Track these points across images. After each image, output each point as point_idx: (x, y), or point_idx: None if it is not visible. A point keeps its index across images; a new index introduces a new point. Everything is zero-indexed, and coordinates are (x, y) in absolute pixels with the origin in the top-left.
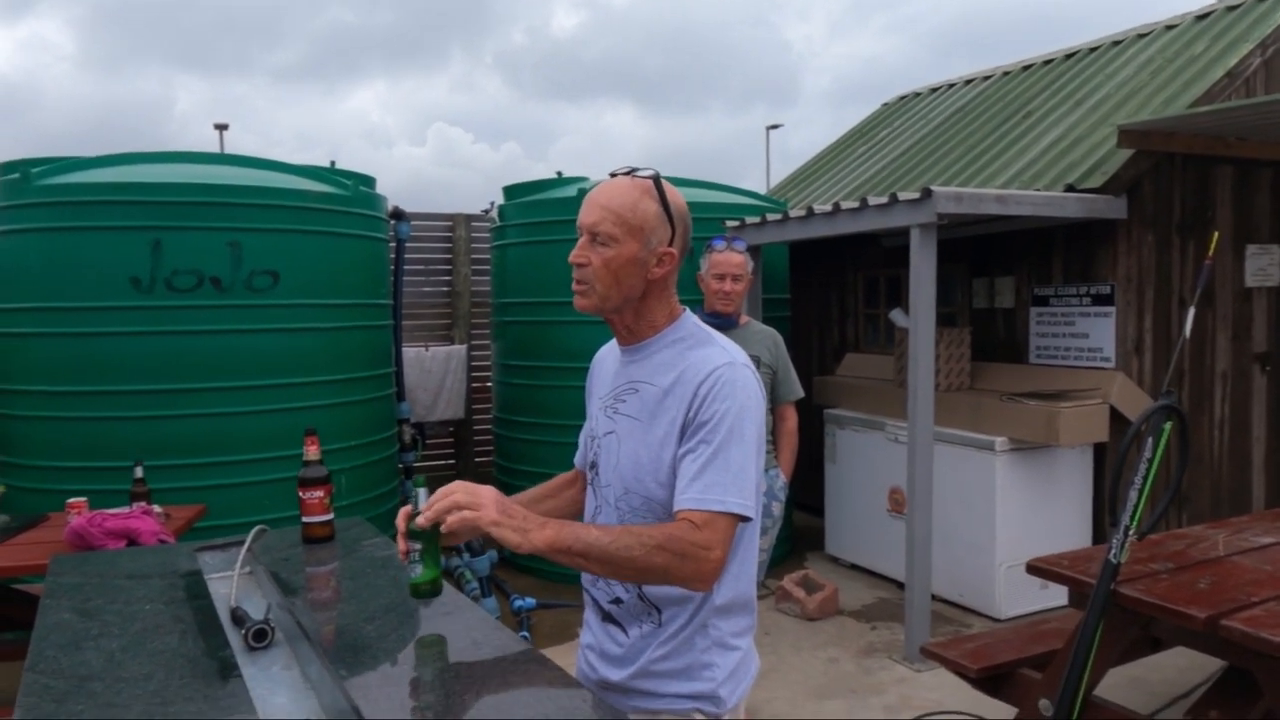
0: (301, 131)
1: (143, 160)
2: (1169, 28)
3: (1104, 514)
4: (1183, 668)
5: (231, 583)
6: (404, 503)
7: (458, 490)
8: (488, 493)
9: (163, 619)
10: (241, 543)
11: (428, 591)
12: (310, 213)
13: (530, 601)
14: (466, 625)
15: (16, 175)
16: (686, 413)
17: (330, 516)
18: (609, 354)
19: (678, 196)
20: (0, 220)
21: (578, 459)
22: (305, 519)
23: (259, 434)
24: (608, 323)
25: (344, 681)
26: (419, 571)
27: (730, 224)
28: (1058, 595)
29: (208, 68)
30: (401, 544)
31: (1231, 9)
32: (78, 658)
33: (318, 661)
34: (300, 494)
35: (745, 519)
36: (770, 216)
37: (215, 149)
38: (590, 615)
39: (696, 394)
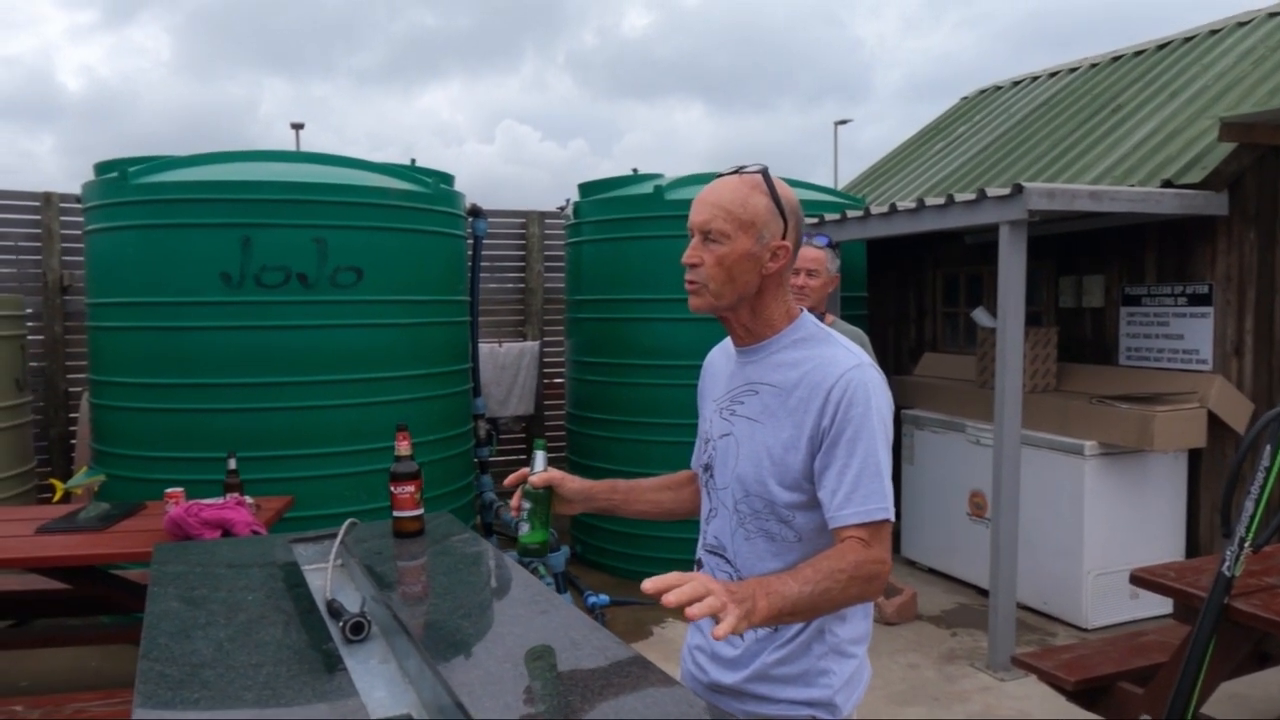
0: (374, 130)
1: (233, 159)
2: (1271, 15)
3: (1198, 524)
4: None
5: (326, 575)
6: (479, 494)
7: (715, 591)
8: (718, 586)
9: (265, 609)
10: (334, 535)
11: (535, 551)
12: (392, 210)
13: (604, 598)
14: (564, 624)
15: (115, 174)
16: (819, 419)
17: (420, 511)
18: (721, 355)
19: (787, 190)
20: (99, 218)
21: (693, 460)
22: (396, 513)
23: (344, 427)
24: (723, 322)
25: (444, 678)
26: (526, 530)
27: (809, 220)
28: (1147, 606)
29: (293, 70)
30: (515, 500)
31: None
32: (188, 646)
33: (417, 656)
34: (391, 489)
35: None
36: (851, 213)
37: (291, 148)
38: (707, 621)
39: (829, 399)
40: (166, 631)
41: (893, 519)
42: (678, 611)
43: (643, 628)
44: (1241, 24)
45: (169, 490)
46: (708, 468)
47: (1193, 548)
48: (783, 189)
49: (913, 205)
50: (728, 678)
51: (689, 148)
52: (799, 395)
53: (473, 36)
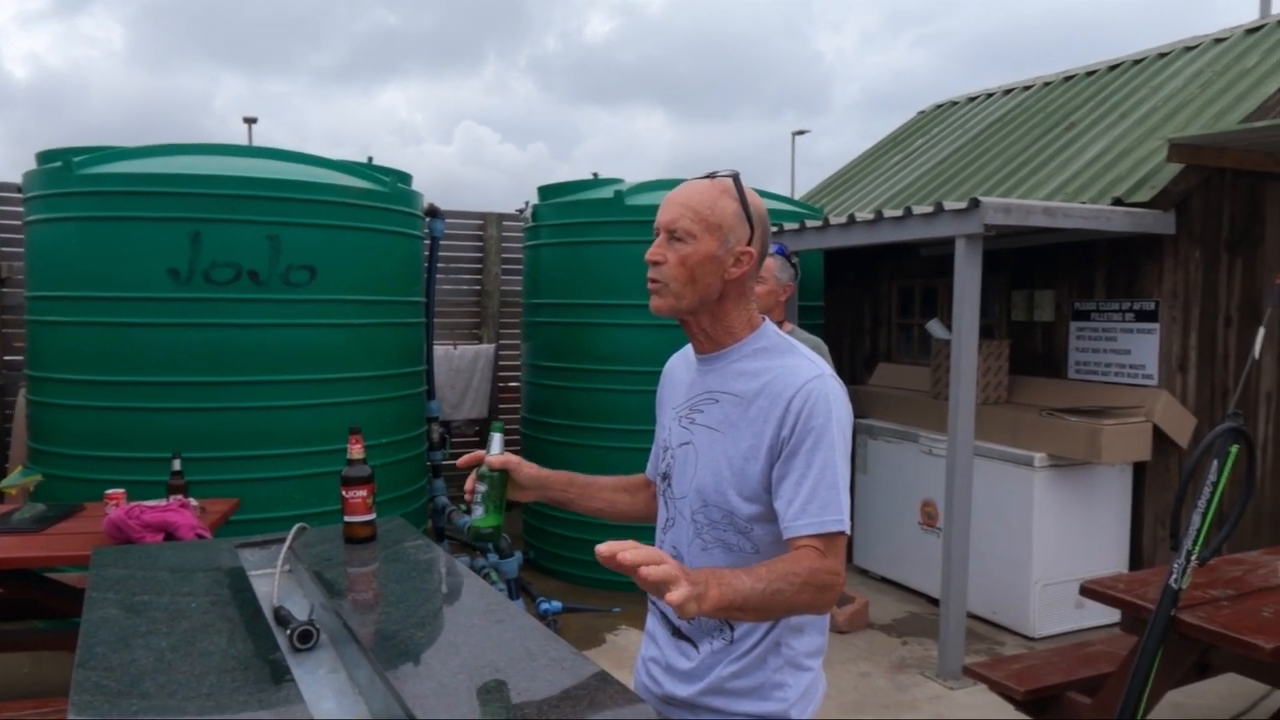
0: (331, 127)
1: (183, 152)
2: (1218, 41)
3: (1141, 535)
4: (1223, 694)
5: (274, 581)
6: (432, 498)
7: (669, 566)
8: (678, 567)
9: (209, 617)
10: (282, 540)
11: (488, 535)
12: (349, 208)
13: (557, 605)
14: (520, 634)
15: (58, 164)
16: (779, 428)
17: (373, 516)
18: (681, 362)
19: (756, 198)
20: (42, 208)
21: (649, 468)
22: (347, 518)
23: (294, 429)
24: (684, 328)
25: (396, 689)
26: (479, 513)
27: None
28: (1093, 616)
29: (251, 66)
30: (470, 482)
31: None
32: (128, 655)
33: (368, 666)
34: (343, 493)
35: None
36: (809, 223)
37: (243, 143)
38: (657, 628)
39: (790, 409)
40: (105, 639)
41: (848, 532)
42: (633, 620)
43: (595, 635)
44: (1189, 48)
45: (109, 491)
46: (665, 477)
47: (1136, 559)
48: (752, 197)
49: (871, 217)
50: (682, 690)
51: (650, 154)
52: (759, 405)
53: (435, 37)
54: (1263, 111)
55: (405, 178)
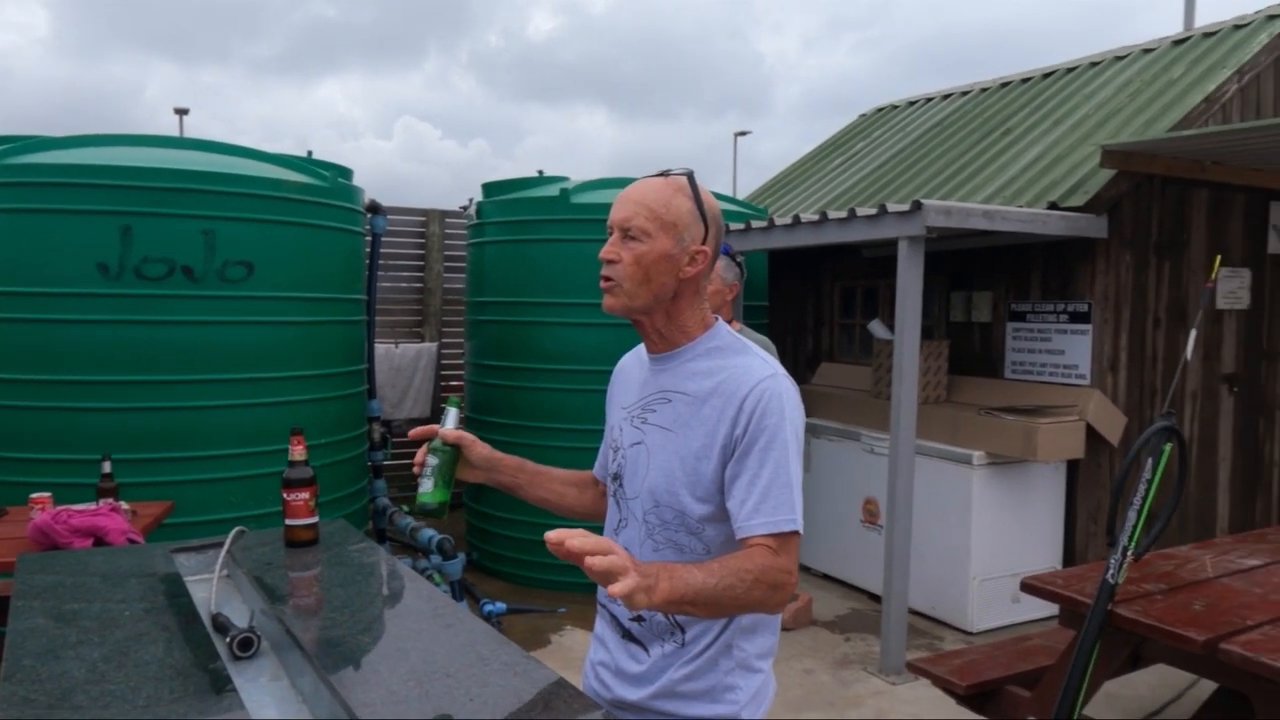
0: (267, 120)
1: (113, 142)
2: (1146, 51)
3: (1075, 530)
4: (1153, 685)
5: (211, 587)
6: (372, 499)
7: (617, 556)
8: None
9: (144, 626)
10: (220, 544)
11: (434, 511)
12: (287, 203)
13: (501, 606)
14: (470, 638)
15: None
16: (733, 428)
17: (315, 520)
18: (634, 361)
19: (711, 197)
20: None
21: (597, 467)
22: (289, 521)
23: (230, 429)
24: (637, 327)
25: (342, 697)
26: (428, 488)
27: None
28: (1028, 610)
29: (184, 56)
30: (420, 455)
31: (1209, 35)
32: (58, 667)
33: (312, 674)
34: (284, 495)
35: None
36: (755, 223)
37: (175, 135)
38: (606, 632)
39: (743, 408)
40: (32, 651)
41: (801, 531)
42: (578, 620)
43: (541, 636)
44: (1119, 58)
45: (34, 495)
46: (616, 477)
47: (1069, 554)
48: (706, 195)
49: (815, 218)
50: (632, 694)
51: (593, 153)
52: (713, 404)
53: (375, 31)
54: (1189, 120)
55: (346, 172)
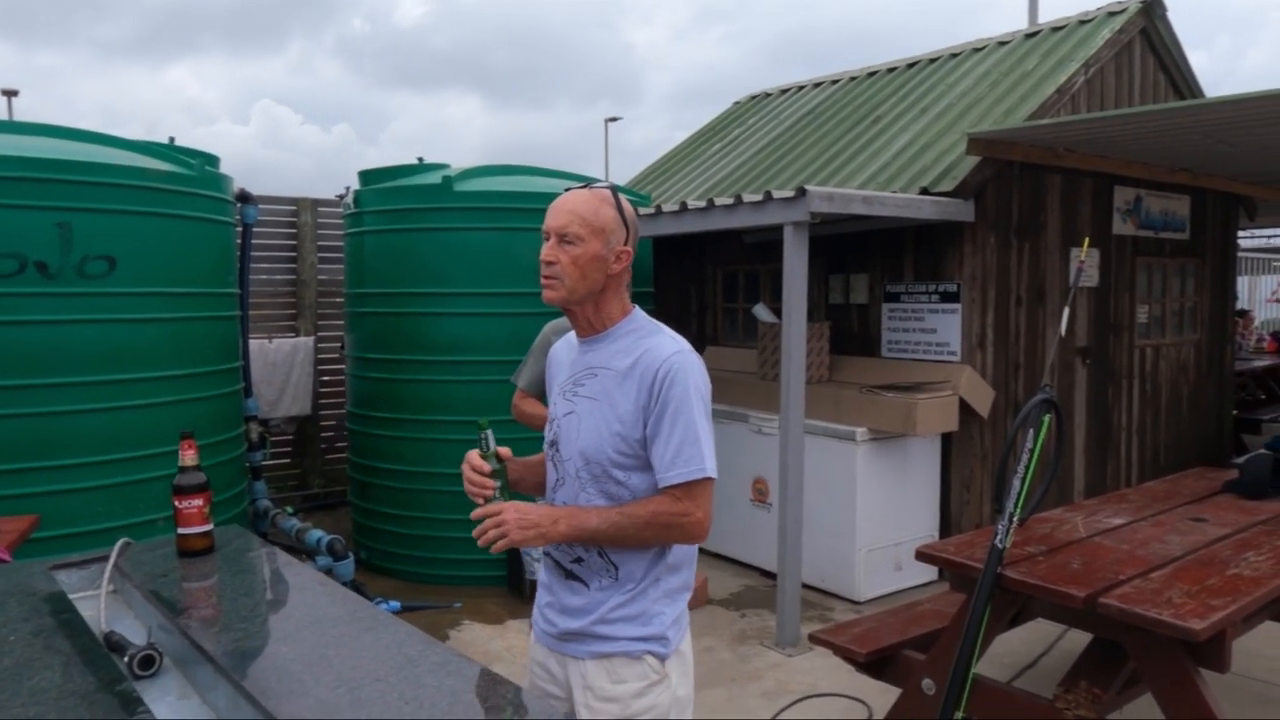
0: (110, 103)
1: None
2: (1002, 44)
3: (950, 499)
4: (1026, 640)
5: (99, 604)
6: (253, 502)
7: (501, 516)
8: (511, 513)
9: (34, 650)
10: (105, 558)
11: None
12: (151, 193)
13: (395, 605)
14: (396, 640)
15: None
16: (650, 397)
17: (210, 527)
18: (565, 346)
19: (629, 205)
20: None
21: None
22: (182, 530)
23: (96, 435)
24: (569, 315)
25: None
26: None
27: None
28: (910, 576)
29: (20, 36)
30: (485, 481)
31: (1056, 29)
32: None
33: (229, 688)
34: (176, 503)
35: (713, 479)
36: (642, 210)
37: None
38: (549, 577)
39: (656, 379)
40: None
41: (712, 475)
42: (474, 614)
43: (438, 632)
44: (977, 49)
45: None
46: (553, 443)
47: (945, 521)
48: (625, 204)
49: (702, 204)
50: (575, 624)
51: (464, 140)
52: (633, 377)
53: (236, 15)
54: (1043, 110)
55: (213, 160)
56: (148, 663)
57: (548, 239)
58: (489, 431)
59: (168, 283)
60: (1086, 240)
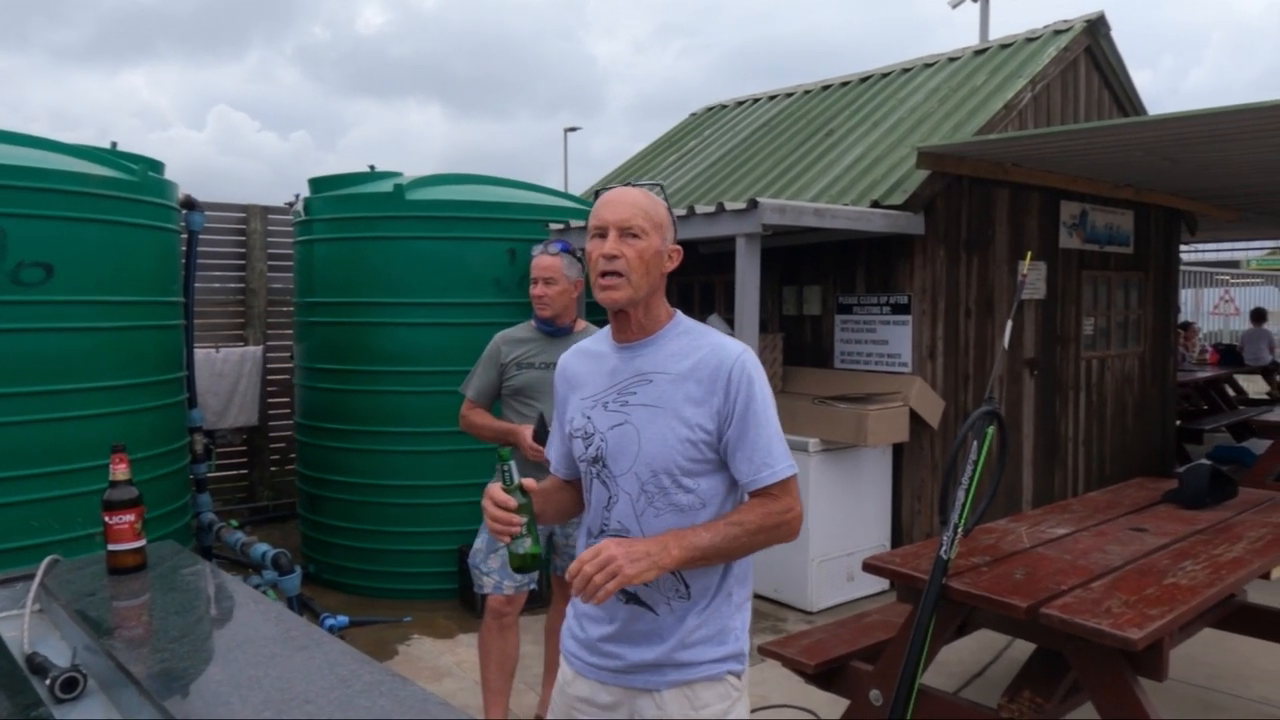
0: (60, 108)
1: None
2: (951, 60)
3: (901, 509)
4: (974, 649)
5: (23, 624)
6: (197, 515)
7: (604, 555)
8: (614, 548)
9: None
10: (30, 576)
11: (536, 563)
12: (91, 199)
13: (343, 620)
14: (329, 660)
15: None
16: (725, 398)
17: (142, 543)
18: (582, 357)
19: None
20: None
21: (560, 465)
22: (111, 547)
23: (29, 447)
24: (619, 318)
25: None
26: (529, 544)
27: (555, 226)
28: (862, 586)
29: None
30: (511, 517)
31: (1004, 46)
32: None
33: (152, 711)
34: (106, 519)
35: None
36: None
37: None
38: (611, 607)
39: (731, 379)
40: None
41: (797, 470)
42: (424, 628)
43: (387, 647)
44: (928, 65)
45: None
46: (598, 459)
47: (897, 531)
48: (666, 204)
49: None
50: (650, 654)
51: (424, 148)
52: (698, 379)
53: (195, 22)
54: (991, 125)
55: (156, 165)
56: (70, 685)
57: (603, 235)
58: (512, 463)
59: (107, 290)
60: (1029, 255)
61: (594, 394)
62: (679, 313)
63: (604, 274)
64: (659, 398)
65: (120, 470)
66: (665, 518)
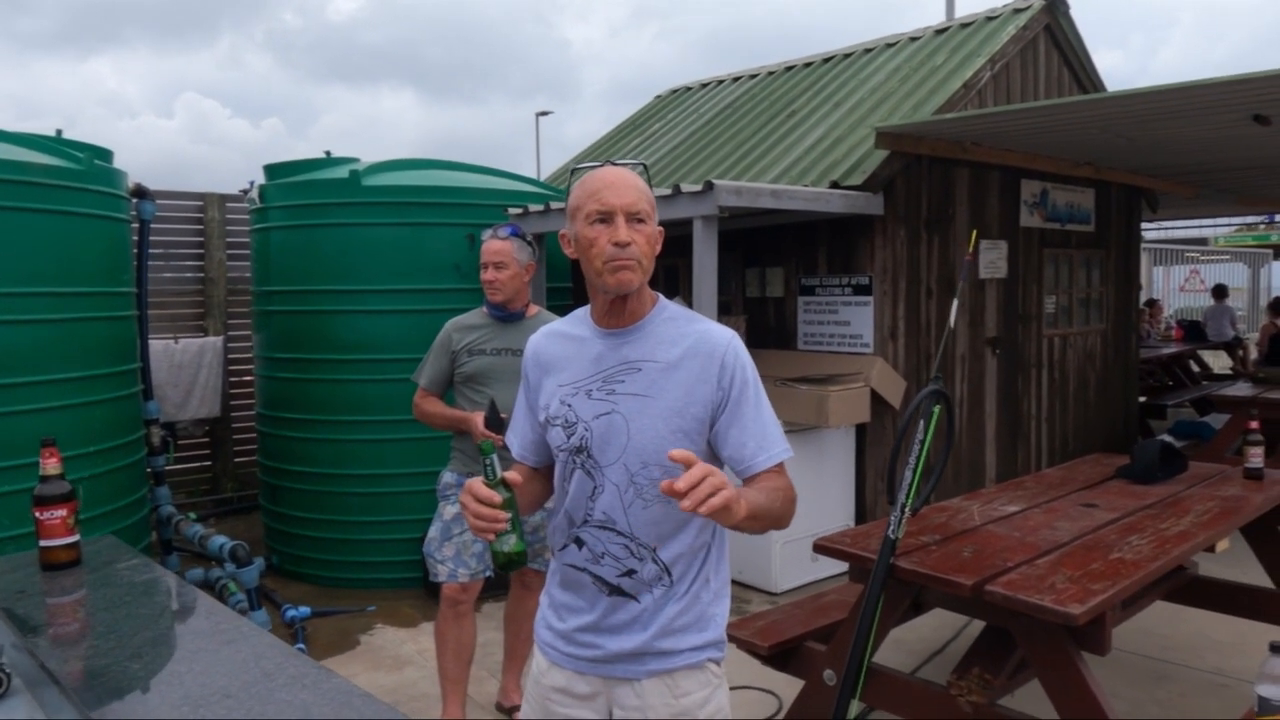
0: (25, 97)
1: None
2: (913, 39)
3: (865, 489)
4: (935, 627)
5: None
6: (155, 508)
7: (713, 473)
8: (713, 473)
9: None
10: None
11: (522, 560)
12: (33, 188)
13: (305, 610)
14: (254, 653)
15: None
16: (718, 384)
17: (75, 539)
18: (560, 341)
19: None
20: None
21: (527, 454)
22: (44, 543)
23: None
24: (615, 304)
25: None
26: (514, 541)
27: (513, 211)
28: (826, 567)
29: None
30: (495, 514)
31: (965, 26)
32: None
33: (71, 711)
34: (37, 514)
35: None
36: (555, 204)
37: None
38: (580, 598)
39: (724, 365)
40: None
41: (792, 454)
42: (387, 617)
43: (349, 637)
44: (890, 45)
45: None
46: (581, 449)
47: (861, 511)
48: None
49: None
50: (629, 643)
51: (398, 135)
52: (689, 366)
53: (163, 9)
54: (950, 105)
55: (104, 154)
56: None
57: (606, 220)
58: (494, 456)
59: (53, 282)
60: (975, 235)
61: (574, 380)
62: (661, 296)
63: (616, 260)
64: (649, 387)
65: (51, 465)
66: (654, 509)
